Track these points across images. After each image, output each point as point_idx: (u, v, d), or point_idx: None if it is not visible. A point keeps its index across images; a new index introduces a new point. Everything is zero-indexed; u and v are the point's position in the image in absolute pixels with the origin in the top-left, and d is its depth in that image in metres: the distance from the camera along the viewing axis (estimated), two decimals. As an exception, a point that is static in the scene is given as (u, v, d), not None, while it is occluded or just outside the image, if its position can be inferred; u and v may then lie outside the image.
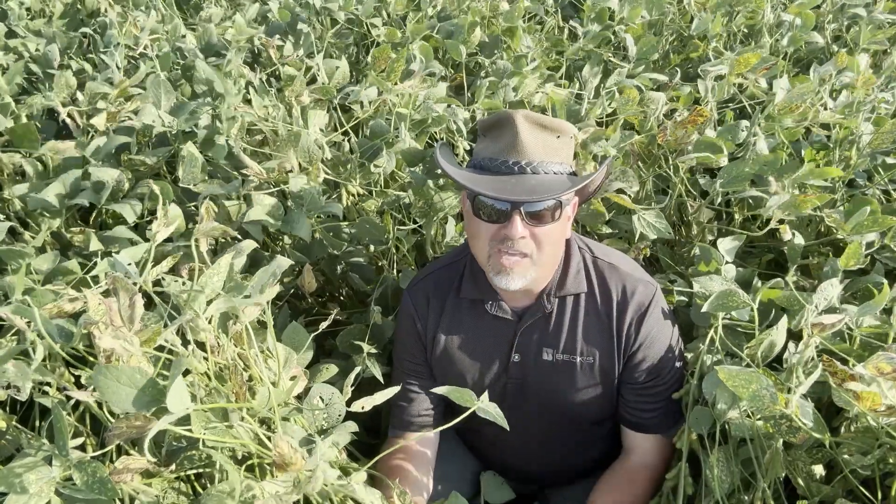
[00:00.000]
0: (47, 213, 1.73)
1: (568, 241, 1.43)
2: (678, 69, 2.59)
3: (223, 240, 1.68)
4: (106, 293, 0.99)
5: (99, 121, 1.87)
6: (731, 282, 1.47)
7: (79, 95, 2.08)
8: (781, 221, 1.66)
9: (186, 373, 1.09)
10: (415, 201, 1.79)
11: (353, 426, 1.20)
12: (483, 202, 1.27)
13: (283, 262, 1.17)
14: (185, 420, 0.95)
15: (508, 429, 1.09)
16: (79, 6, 3.10)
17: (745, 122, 1.85)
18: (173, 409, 0.82)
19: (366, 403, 1.13)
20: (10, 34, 2.80)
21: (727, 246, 1.59)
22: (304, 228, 1.62)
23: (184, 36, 2.71)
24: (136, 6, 3.19)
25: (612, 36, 2.76)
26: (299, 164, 1.74)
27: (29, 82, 2.51)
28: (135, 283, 1.17)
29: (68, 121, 1.90)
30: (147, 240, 1.49)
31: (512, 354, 1.44)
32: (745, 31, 2.92)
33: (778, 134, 1.86)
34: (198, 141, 1.86)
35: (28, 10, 3.07)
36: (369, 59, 2.13)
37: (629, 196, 1.66)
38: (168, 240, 1.51)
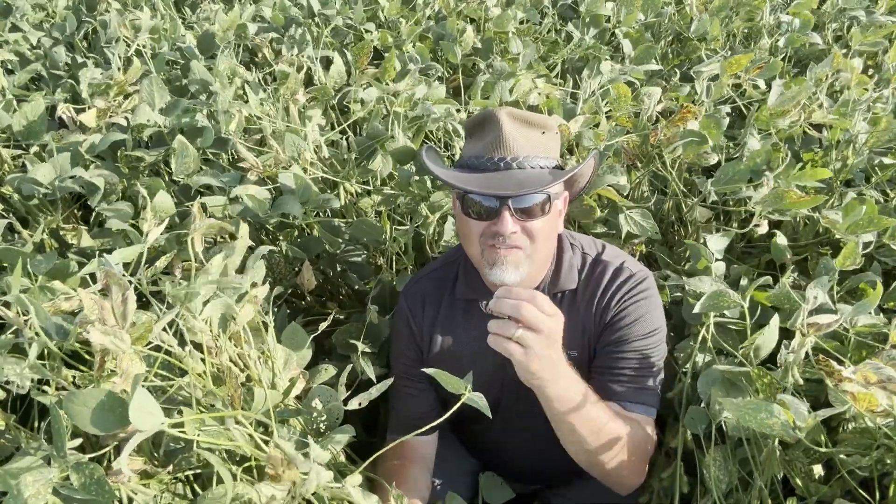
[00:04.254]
0: (45, 209, 1.73)
1: (561, 238, 1.43)
2: (676, 70, 2.60)
3: (221, 239, 1.68)
4: (102, 292, 0.99)
5: (88, 118, 1.87)
6: (720, 279, 1.48)
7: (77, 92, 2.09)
8: (764, 219, 1.67)
9: (184, 374, 1.09)
10: (403, 197, 1.79)
11: (351, 429, 1.20)
12: (472, 200, 1.27)
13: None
14: (180, 422, 0.95)
15: (491, 416, 1.09)
16: (80, 4, 3.10)
17: (725, 108, 1.85)
18: (140, 426, 0.80)
19: (362, 400, 1.13)
20: (14, 29, 2.80)
21: (716, 243, 1.60)
22: (296, 207, 1.62)
23: (183, 35, 2.71)
24: (135, 6, 3.19)
25: (606, 43, 2.76)
26: (291, 160, 1.74)
27: (31, 80, 2.51)
28: (129, 283, 1.17)
29: (64, 117, 1.91)
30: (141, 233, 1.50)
31: None
32: (745, 31, 2.92)
33: (772, 133, 1.86)
34: (184, 129, 1.87)
35: (32, 6, 3.07)
36: (351, 57, 2.13)
37: (619, 191, 1.67)
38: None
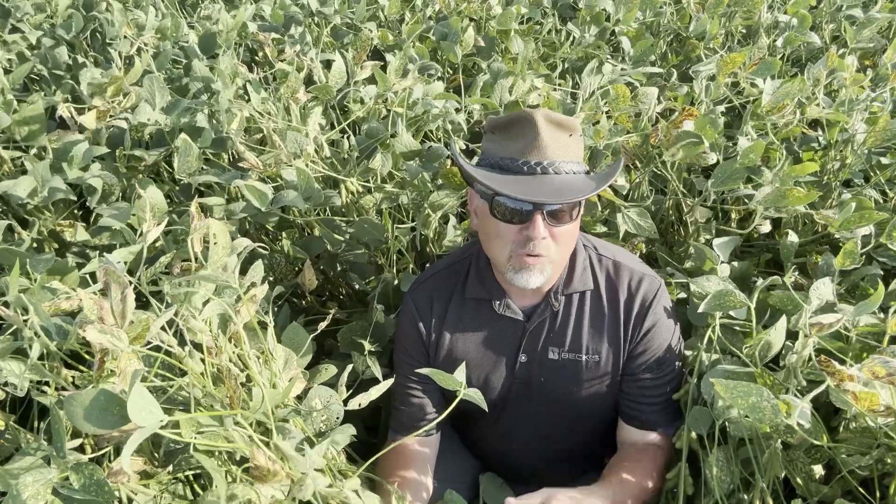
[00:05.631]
0: (46, 211, 1.72)
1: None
2: (675, 70, 2.60)
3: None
4: (102, 292, 0.99)
5: (88, 119, 1.86)
6: (727, 281, 1.47)
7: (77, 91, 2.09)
8: (767, 218, 1.67)
9: (183, 374, 1.09)
10: (409, 194, 1.79)
11: (351, 429, 1.19)
12: (502, 203, 1.25)
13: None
14: (177, 422, 0.95)
15: (488, 410, 1.12)
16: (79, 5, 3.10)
17: (721, 108, 1.85)
18: (140, 422, 0.79)
19: (362, 400, 1.13)
20: (14, 31, 2.80)
21: (722, 245, 1.60)
22: (297, 200, 1.61)
23: (186, 34, 2.71)
24: (136, 5, 3.19)
25: (606, 42, 2.76)
26: (293, 156, 1.74)
27: (31, 80, 2.51)
28: (129, 282, 1.17)
29: (65, 115, 1.90)
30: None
31: (519, 355, 1.43)
32: (743, 31, 2.92)
33: (769, 133, 1.87)
34: (184, 128, 1.86)
35: (33, 6, 3.06)
36: (351, 56, 2.13)
37: (616, 189, 1.67)
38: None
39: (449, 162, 1.78)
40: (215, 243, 1.14)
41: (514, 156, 1.26)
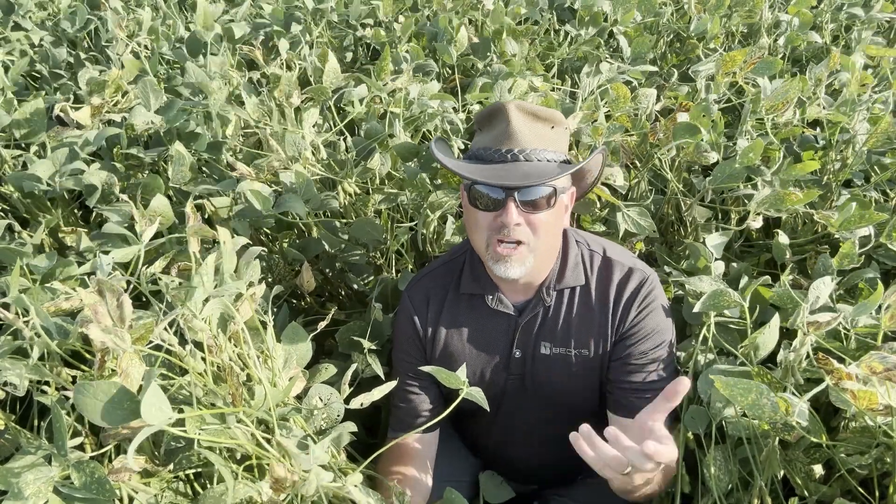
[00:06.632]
0: (45, 208, 1.72)
1: (566, 235, 1.43)
2: (675, 70, 2.60)
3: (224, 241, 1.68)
4: (101, 293, 0.99)
5: (83, 115, 1.86)
6: (719, 279, 1.48)
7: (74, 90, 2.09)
8: (759, 214, 1.67)
9: (184, 372, 1.09)
10: (409, 194, 1.79)
11: (352, 426, 1.20)
12: (478, 191, 1.28)
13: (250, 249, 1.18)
14: (181, 420, 0.95)
15: (490, 410, 1.13)
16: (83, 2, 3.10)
17: (713, 96, 1.85)
18: (150, 420, 0.80)
19: (364, 400, 1.13)
20: (17, 28, 2.80)
21: (714, 241, 1.60)
22: (299, 205, 1.61)
23: (183, 36, 2.71)
24: (137, 5, 3.19)
25: (603, 42, 2.76)
26: (290, 160, 1.74)
27: (32, 78, 2.51)
28: (129, 283, 1.17)
29: (62, 115, 1.90)
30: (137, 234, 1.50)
31: (513, 350, 1.44)
32: (744, 31, 2.92)
33: (768, 133, 1.87)
34: (180, 133, 1.86)
35: (35, 4, 3.07)
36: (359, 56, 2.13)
37: (616, 189, 1.67)
38: (158, 235, 1.50)
39: None
40: (223, 242, 1.15)
41: (488, 145, 1.30)
